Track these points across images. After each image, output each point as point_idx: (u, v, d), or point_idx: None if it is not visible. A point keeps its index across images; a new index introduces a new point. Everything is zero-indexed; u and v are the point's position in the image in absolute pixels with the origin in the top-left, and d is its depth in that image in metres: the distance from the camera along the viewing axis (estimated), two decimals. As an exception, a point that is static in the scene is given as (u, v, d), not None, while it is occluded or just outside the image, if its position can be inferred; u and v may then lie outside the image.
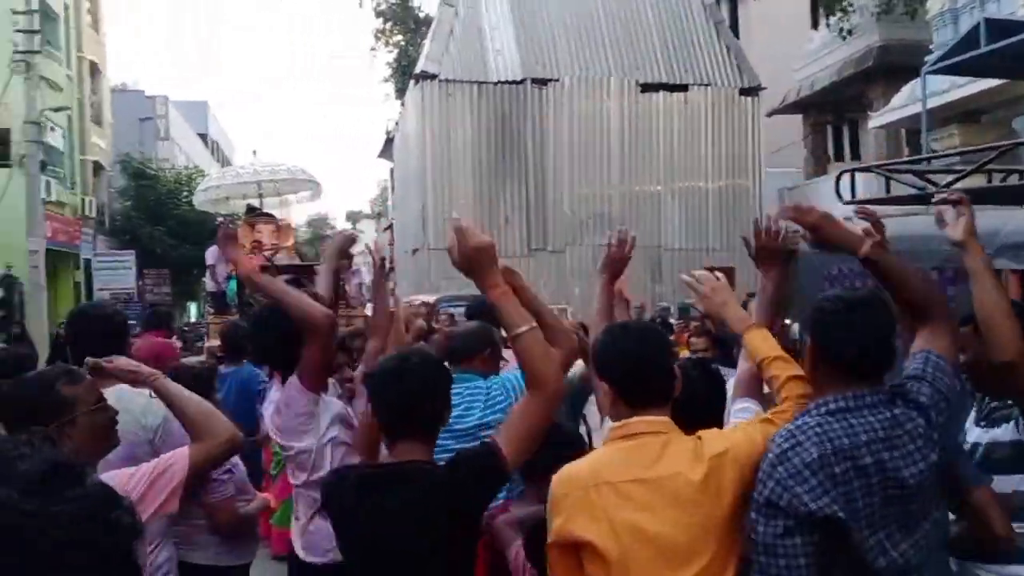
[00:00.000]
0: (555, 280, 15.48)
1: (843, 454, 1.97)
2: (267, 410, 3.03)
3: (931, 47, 13.23)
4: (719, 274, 2.64)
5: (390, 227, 37.56)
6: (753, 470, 2.05)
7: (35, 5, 18.46)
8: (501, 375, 3.37)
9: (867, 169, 4.65)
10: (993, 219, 3.67)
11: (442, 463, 2.17)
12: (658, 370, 2.16)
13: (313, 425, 2.87)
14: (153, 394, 2.77)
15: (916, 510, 2.05)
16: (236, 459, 3.21)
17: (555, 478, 2.12)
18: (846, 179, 4.62)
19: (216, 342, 7.99)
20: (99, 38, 29.40)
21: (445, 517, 2.07)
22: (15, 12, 17.81)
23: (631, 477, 2.05)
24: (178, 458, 2.32)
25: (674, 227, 16.05)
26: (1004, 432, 2.55)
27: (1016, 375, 2.36)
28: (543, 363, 2.14)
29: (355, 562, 2.21)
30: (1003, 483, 2.44)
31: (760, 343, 2.38)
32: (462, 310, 10.10)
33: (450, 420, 2.32)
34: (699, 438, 2.12)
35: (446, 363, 2.89)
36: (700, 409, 2.34)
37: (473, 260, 2.18)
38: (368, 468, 2.33)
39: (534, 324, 2.17)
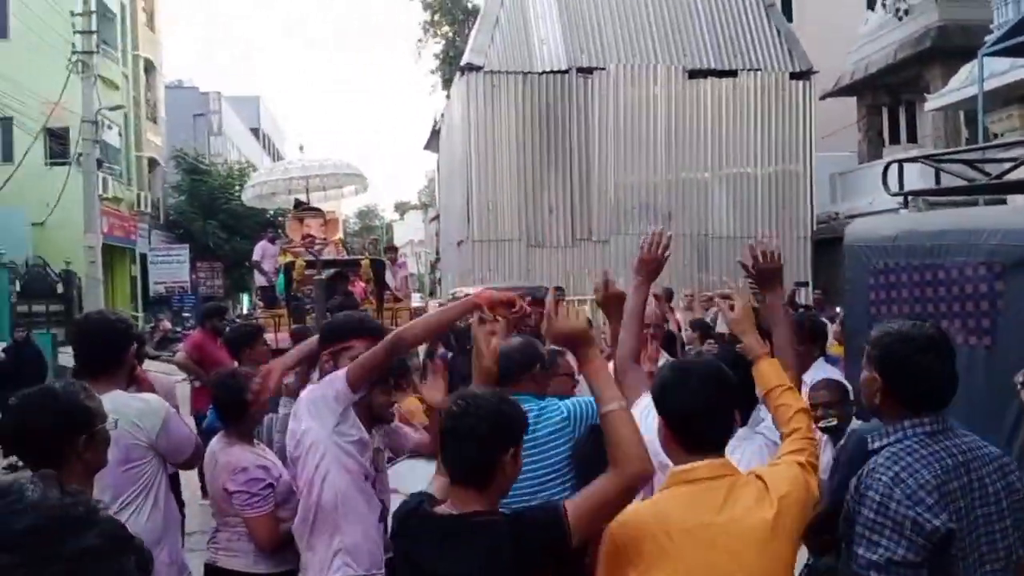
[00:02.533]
0: (600, 271, 15.33)
1: (952, 473, 2.05)
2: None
3: (991, 27, 12.76)
4: (748, 296, 2.74)
5: (436, 218, 37.74)
6: (807, 512, 2.16)
7: (93, 6, 18.90)
8: (572, 399, 3.07)
9: (914, 160, 4.48)
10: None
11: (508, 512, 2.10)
12: (720, 416, 2.17)
13: (328, 417, 2.80)
14: (151, 400, 2.86)
15: (1004, 528, 2.11)
16: (281, 469, 3.20)
17: (616, 525, 2.09)
18: (893, 169, 4.46)
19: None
20: (154, 36, 30.05)
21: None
22: (73, 13, 18.23)
23: (703, 521, 2.05)
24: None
25: (721, 214, 15.77)
26: None
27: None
28: (629, 445, 2.04)
29: None
30: None
31: (771, 372, 2.48)
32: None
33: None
34: (760, 479, 2.15)
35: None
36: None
37: (566, 343, 2.33)
38: (440, 516, 2.16)
39: (623, 403, 2.14)
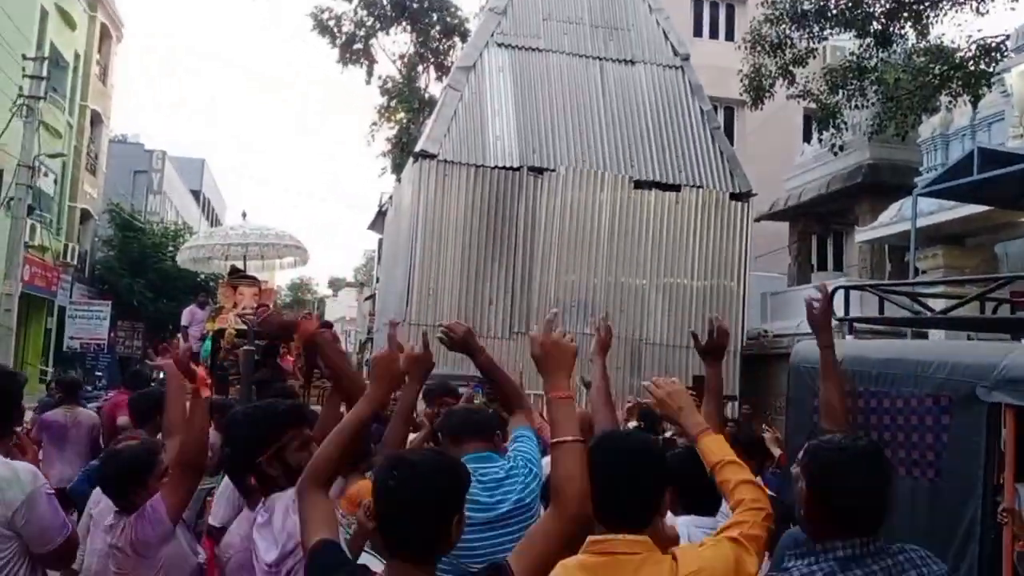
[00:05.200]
0: (535, 365, 15.26)
1: None
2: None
3: (920, 169, 13.57)
4: (674, 379, 2.72)
5: (371, 297, 37.44)
6: None
7: (47, 52, 18.65)
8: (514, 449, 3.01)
9: (861, 287, 4.64)
10: (991, 351, 3.62)
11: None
12: (641, 491, 2.12)
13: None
14: (20, 469, 2.48)
15: None
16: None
17: None
18: (839, 296, 4.58)
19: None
20: (105, 89, 29.74)
21: None
22: (25, 57, 17.94)
23: None
24: None
25: (656, 321, 16.00)
26: None
27: None
28: (572, 482, 2.01)
29: None
30: None
31: (714, 447, 2.43)
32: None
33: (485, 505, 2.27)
34: (674, 558, 2.09)
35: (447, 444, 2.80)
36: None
37: (552, 358, 2.27)
38: None
39: (581, 440, 2.09)
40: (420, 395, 2.91)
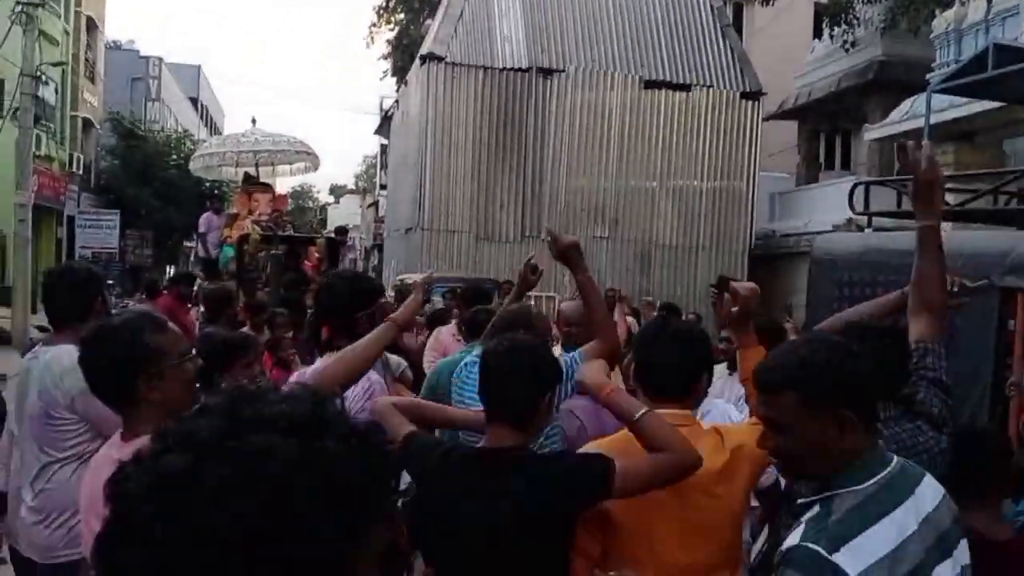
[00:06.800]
0: (546, 268, 15.53)
1: None
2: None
3: (933, 65, 13.45)
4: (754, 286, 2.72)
5: (374, 204, 37.39)
6: (760, 467, 2.29)
7: (38, -44, 18.17)
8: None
9: (881, 183, 4.81)
10: (1003, 240, 3.85)
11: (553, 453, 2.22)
12: (686, 371, 2.32)
13: None
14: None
15: None
16: None
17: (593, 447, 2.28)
18: (859, 191, 4.78)
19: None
20: (98, -7, 29.04)
21: (537, 511, 2.06)
22: (18, -38, 17.52)
23: None
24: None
25: (666, 223, 16.20)
26: None
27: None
28: (670, 440, 2.08)
29: (439, 544, 2.19)
30: None
31: (756, 358, 2.51)
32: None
33: None
34: (718, 432, 2.31)
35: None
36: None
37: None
38: (470, 451, 2.31)
39: (646, 409, 2.15)
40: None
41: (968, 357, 3.52)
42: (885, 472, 1.69)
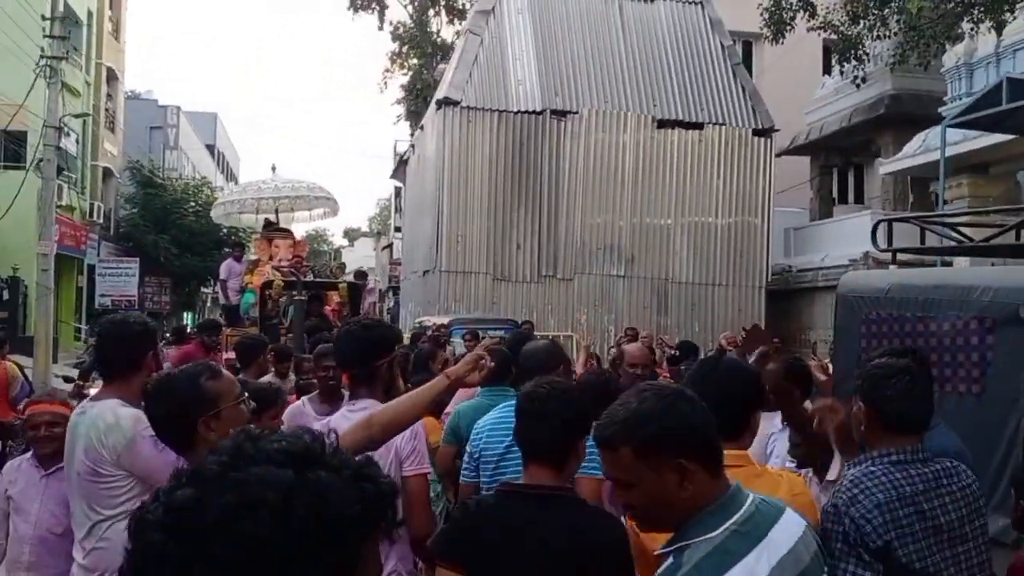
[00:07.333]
0: (563, 307, 15.64)
1: (906, 500, 2.18)
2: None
3: (945, 99, 13.56)
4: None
5: (389, 246, 37.63)
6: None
7: (62, 9, 18.66)
8: None
9: (905, 219, 4.86)
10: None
11: None
12: (726, 407, 2.27)
13: None
14: (123, 416, 2.57)
15: (964, 552, 2.24)
16: None
17: None
18: (882, 228, 4.82)
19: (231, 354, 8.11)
20: (119, 45, 29.71)
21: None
22: (44, 18, 17.99)
23: None
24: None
25: (682, 260, 16.24)
26: None
27: None
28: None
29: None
30: None
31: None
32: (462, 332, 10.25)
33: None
34: (777, 476, 2.34)
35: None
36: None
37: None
38: (534, 487, 2.30)
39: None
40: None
41: (997, 396, 3.52)
42: (736, 516, 1.67)
